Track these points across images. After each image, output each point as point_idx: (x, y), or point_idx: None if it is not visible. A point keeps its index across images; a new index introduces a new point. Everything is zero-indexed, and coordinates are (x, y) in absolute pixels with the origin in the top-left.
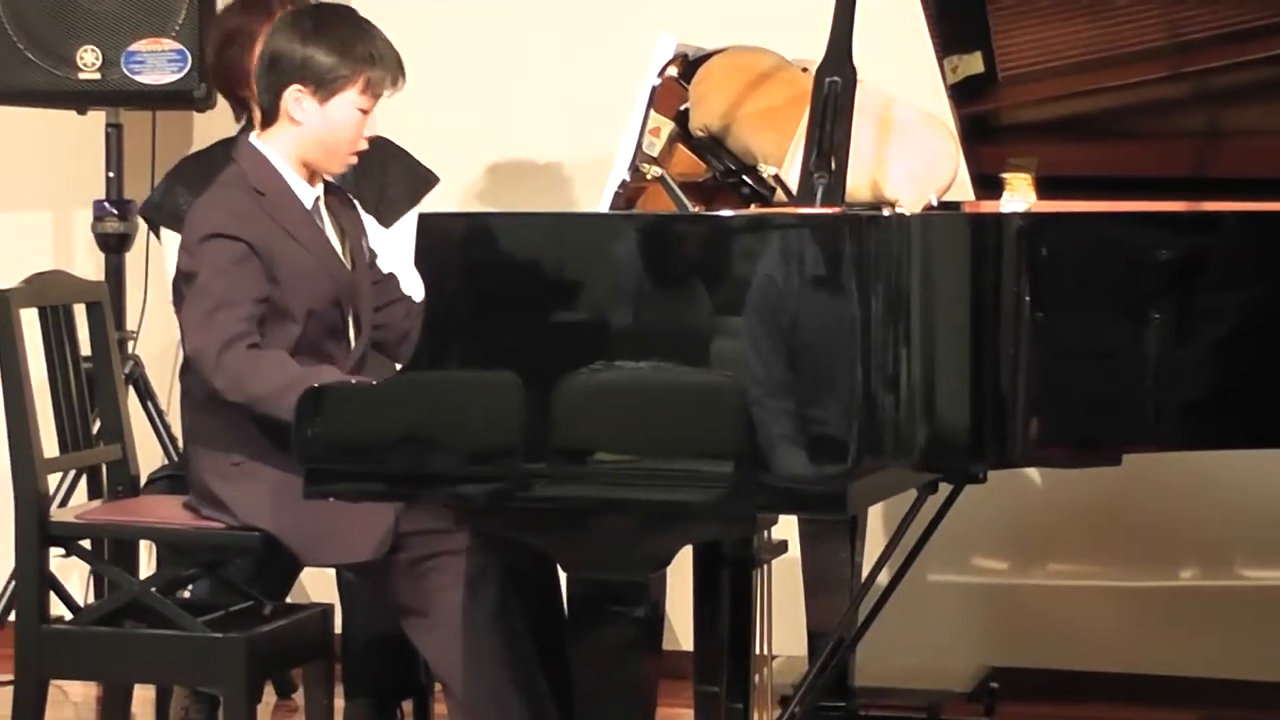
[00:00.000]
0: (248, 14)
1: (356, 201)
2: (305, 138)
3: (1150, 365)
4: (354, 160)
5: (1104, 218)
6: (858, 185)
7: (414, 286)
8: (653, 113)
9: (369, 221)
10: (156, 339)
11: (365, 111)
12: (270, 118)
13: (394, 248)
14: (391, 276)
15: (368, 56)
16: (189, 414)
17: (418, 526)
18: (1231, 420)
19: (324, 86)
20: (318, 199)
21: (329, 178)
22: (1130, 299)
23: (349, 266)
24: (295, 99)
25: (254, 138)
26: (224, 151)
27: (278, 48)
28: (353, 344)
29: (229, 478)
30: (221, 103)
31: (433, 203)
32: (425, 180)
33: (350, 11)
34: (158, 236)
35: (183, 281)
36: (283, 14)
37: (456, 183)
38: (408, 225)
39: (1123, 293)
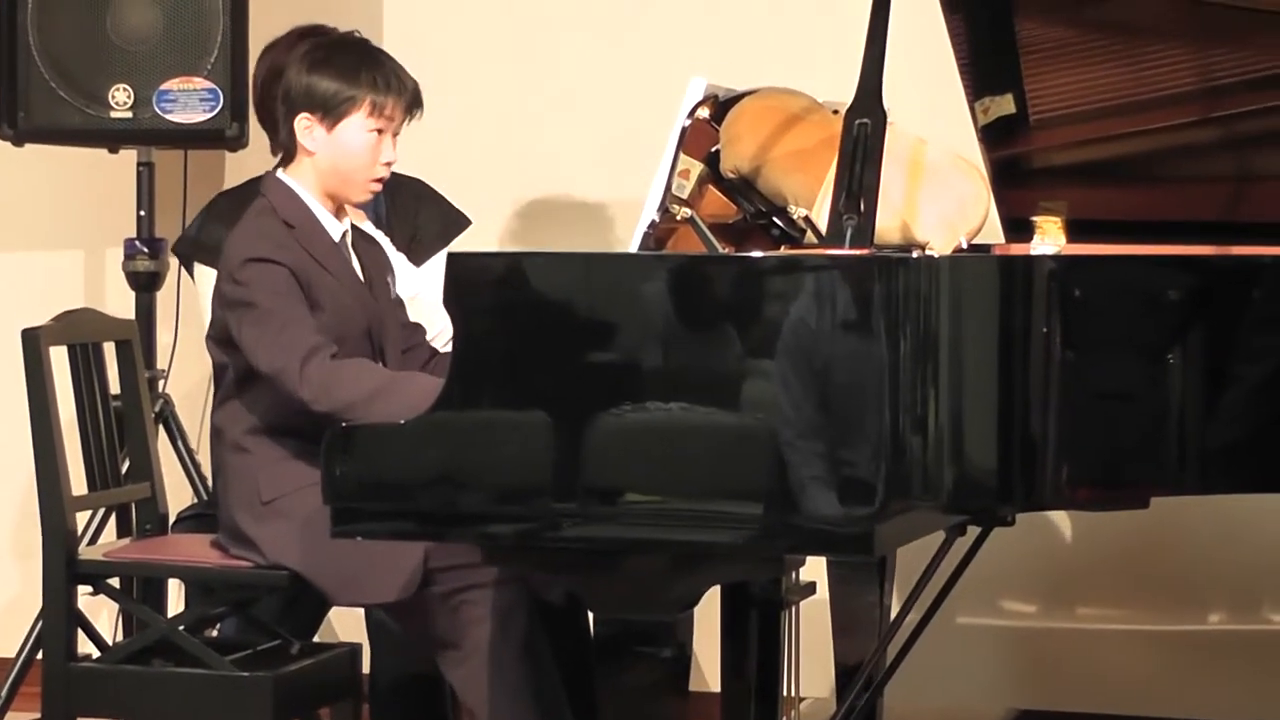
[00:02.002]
0: (290, 50)
1: (388, 239)
2: (321, 167)
3: (1179, 409)
4: (376, 188)
5: (1134, 260)
6: (888, 227)
7: (445, 323)
8: (682, 154)
9: (400, 259)
10: (186, 377)
11: (379, 133)
12: (290, 151)
13: (426, 285)
14: (418, 326)
15: (371, 80)
16: (219, 452)
17: (449, 561)
18: (1261, 464)
19: (330, 113)
20: (345, 233)
21: (355, 220)
22: (1159, 342)
23: (375, 301)
24: (305, 128)
25: (280, 172)
26: (258, 188)
27: (287, 79)
28: None
29: (259, 517)
30: (254, 142)
31: (463, 243)
32: (457, 222)
33: (362, 42)
34: (190, 272)
35: (230, 310)
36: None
37: (486, 223)
38: (439, 265)
39: (1152, 336)
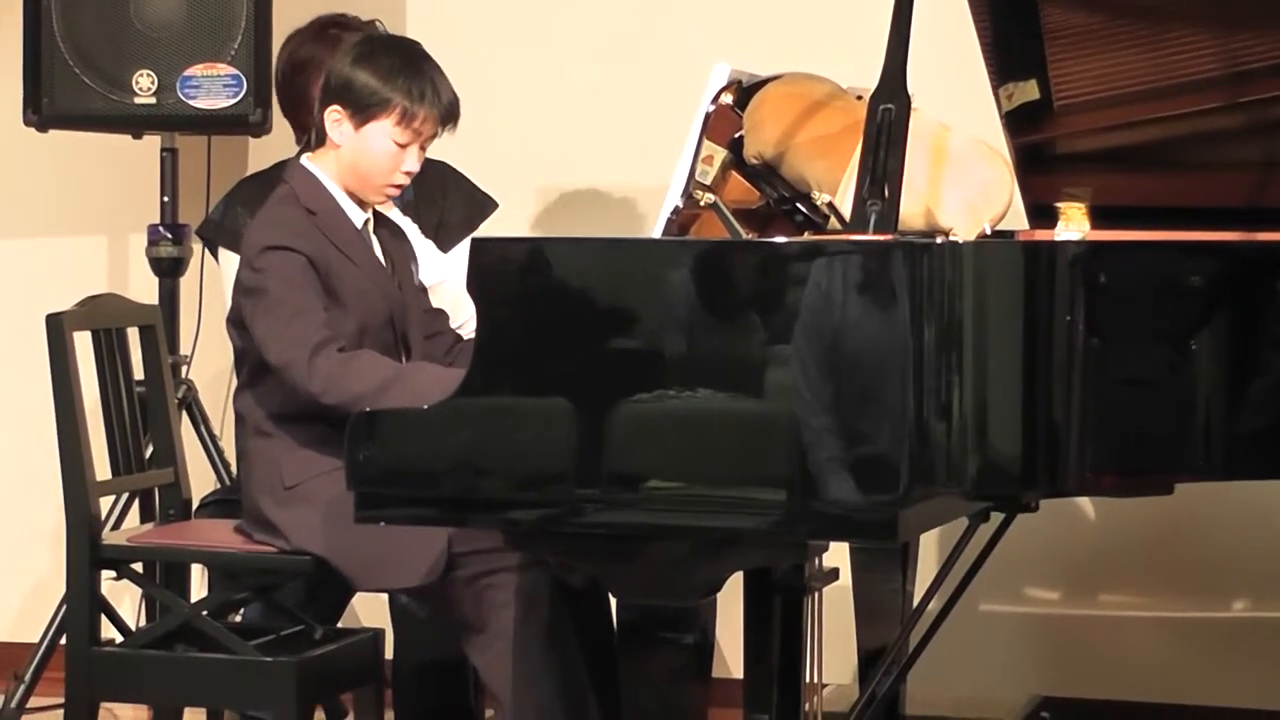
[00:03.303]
0: (319, 43)
1: (416, 225)
2: (343, 161)
3: (1203, 395)
4: (394, 193)
5: (1159, 246)
6: (912, 213)
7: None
8: (706, 140)
9: (428, 246)
10: (210, 363)
11: (401, 145)
12: (320, 138)
13: (453, 271)
14: (441, 312)
15: (408, 89)
16: (243, 438)
17: (473, 546)
18: None
19: (360, 110)
20: (367, 221)
21: (381, 207)
22: (1184, 328)
23: (398, 288)
24: (335, 120)
25: (305, 159)
26: (281, 173)
27: (332, 68)
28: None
29: (282, 502)
30: (277, 127)
31: (488, 229)
32: (483, 205)
33: (414, 47)
34: (215, 256)
35: (246, 296)
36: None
37: (510, 210)
38: (466, 251)
39: (1176, 322)
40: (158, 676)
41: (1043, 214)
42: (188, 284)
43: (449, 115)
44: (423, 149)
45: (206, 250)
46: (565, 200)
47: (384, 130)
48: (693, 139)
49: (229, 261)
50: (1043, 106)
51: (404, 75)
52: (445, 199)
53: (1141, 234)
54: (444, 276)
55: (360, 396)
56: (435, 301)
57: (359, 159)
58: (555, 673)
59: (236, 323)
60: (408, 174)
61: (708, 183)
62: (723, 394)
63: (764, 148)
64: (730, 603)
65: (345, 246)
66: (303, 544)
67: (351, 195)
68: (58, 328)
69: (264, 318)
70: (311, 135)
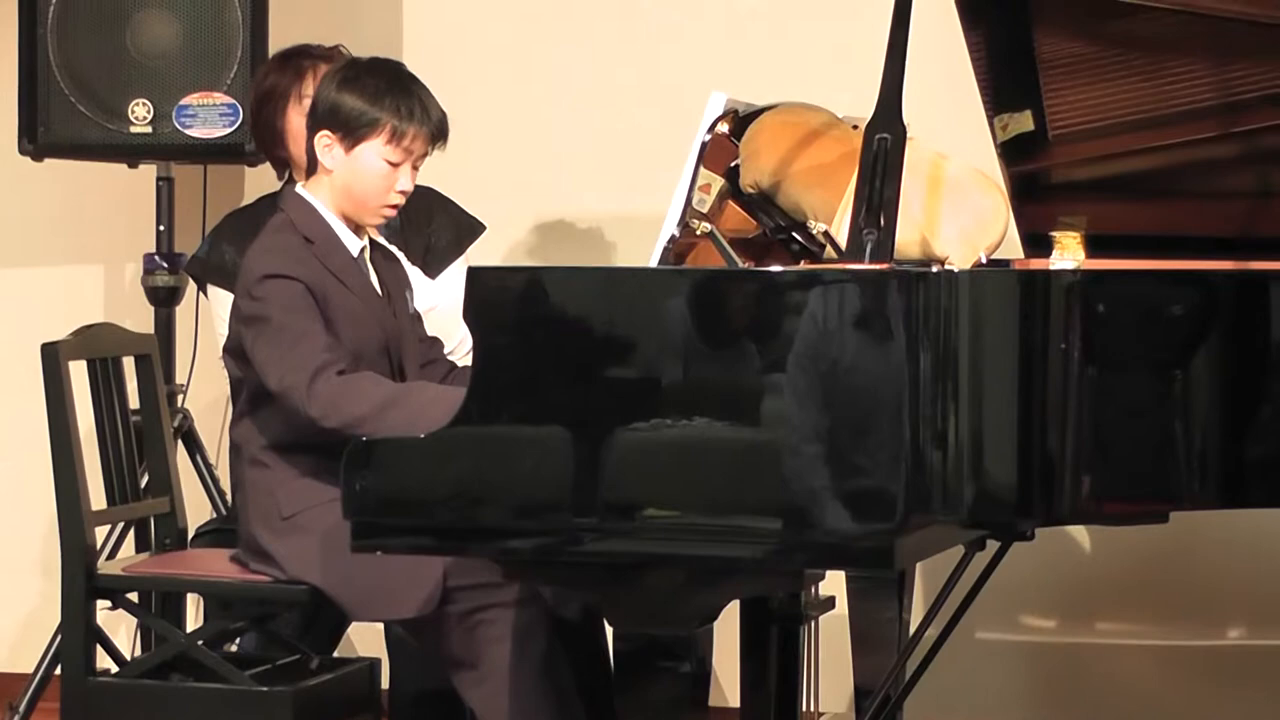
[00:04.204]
0: (281, 73)
1: (403, 254)
2: (336, 185)
3: (1199, 424)
4: (390, 214)
5: (1154, 275)
6: (907, 242)
7: (464, 334)
8: (703, 169)
9: (416, 274)
10: (205, 392)
11: (394, 165)
12: (312, 165)
13: (443, 297)
14: (436, 340)
15: (396, 108)
16: (239, 468)
17: (468, 580)
18: None
19: (350, 133)
20: (363, 249)
21: (373, 234)
22: (1179, 357)
23: (394, 316)
24: (325, 145)
25: (300, 187)
26: (268, 205)
27: (318, 93)
28: None
29: (278, 532)
30: None
31: (481, 256)
32: (471, 228)
33: (398, 67)
34: (204, 293)
35: (245, 325)
36: (332, 65)
37: (506, 238)
38: (455, 275)
39: (1171, 351)
40: (153, 707)
41: (1038, 243)
42: (184, 313)
43: (439, 132)
44: (415, 168)
45: (198, 288)
46: (562, 228)
47: (375, 150)
48: (689, 167)
49: (218, 298)
50: (1038, 135)
51: (391, 94)
52: (431, 223)
53: (1136, 263)
54: (434, 303)
55: (360, 419)
56: (427, 327)
57: (352, 181)
58: (551, 708)
59: (234, 352)
60: (402, 193)
61: (704, 211)
62: (719, 423)
63: (760, 177)
64: (727, 631)
65: (342, 274)
66: (298, 574)
67: (347, 221)
68: (53, 357)
69: (265, 345)
70: (287, 169)
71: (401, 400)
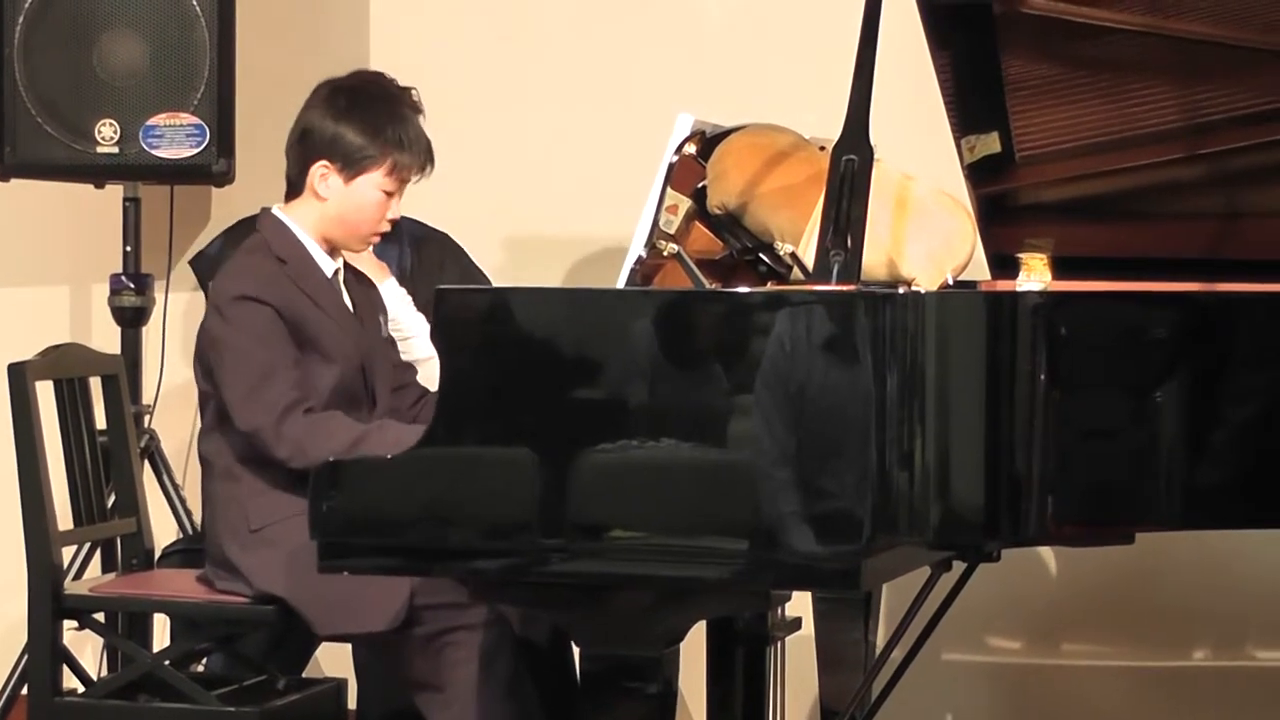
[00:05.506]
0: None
1: (411, 298)
2: (328, 213)
3: (1165, 445)
4: (376, 240)
5: (1120, 297)
6: (874, 263)
7: None
8: (670, 190)
9: (420, 320)
10: (172, 412)
11: (390, 194)
12: (296, 190)
13: None
14: (409, 365)
15: (398, 140)
16: (208, 481)
17: (434, 600)
18: (1246, 501)
19: (351, 165)
20: (337, 271)
21: (349, 259)
22: (1145, 379)
23: (366, 337)
24: (321, 174)
25: (276, 209)
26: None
27: (310, 122)
28: (372, 416)
29: (246, 545)
30: (240, 177)
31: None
32: (477, 282)
33: (387, 89)
34: (204, 289)
35: (211, 347)
36: (319, 88)
37: (475, 258)
38: None
39: (1138, 373)
40: None
41: (1005, 264)
42: (150, 334)
43: (429, 160)
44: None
45: (196, 282)
46: (529, 249)
47: (375, 182)
48: (656, 189)
49: None
50: (1004, 157)
51: (391, 126)
52: (442, 272)
53: (1103, 285)
54: (434, 352)
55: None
56: (422, 375)
57: (348, 211)
58: None
59: (204, 365)
60: (391, 221)
61: (671, 232)
62: (686, 444)
63: (727, 198)
64: (693, 652)
65: (314, 294)
66: (265, 586)
67: (326, 245)
68: (20, 377)
69: (230, 377)
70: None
71: (368, 440)
